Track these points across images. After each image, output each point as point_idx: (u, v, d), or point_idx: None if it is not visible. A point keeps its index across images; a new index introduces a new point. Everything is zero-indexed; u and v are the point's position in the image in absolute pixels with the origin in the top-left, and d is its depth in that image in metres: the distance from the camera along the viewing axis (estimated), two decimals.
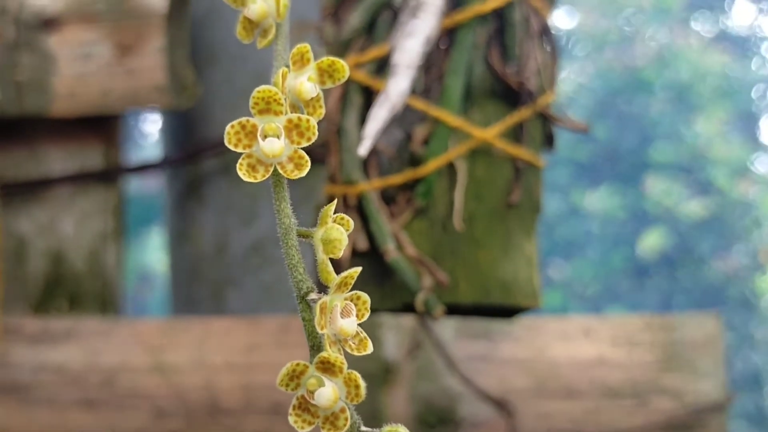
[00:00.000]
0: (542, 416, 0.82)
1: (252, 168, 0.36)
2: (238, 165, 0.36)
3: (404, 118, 0.63)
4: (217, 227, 0.93)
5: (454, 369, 0.76)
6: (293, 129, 0.36)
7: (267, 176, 0.36)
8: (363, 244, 0.61)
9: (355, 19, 0.64)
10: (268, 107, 0.36)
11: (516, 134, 0.65)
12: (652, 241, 3.94)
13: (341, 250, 0.35)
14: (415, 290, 0.59)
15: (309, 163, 0.36)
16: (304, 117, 0.36)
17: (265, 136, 0.35)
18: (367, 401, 0.32)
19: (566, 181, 4.07)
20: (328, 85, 0.40)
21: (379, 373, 0.83)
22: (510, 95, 0.65)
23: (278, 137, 0.35)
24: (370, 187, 0.61)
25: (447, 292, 0.61)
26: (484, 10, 0.63)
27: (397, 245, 0.60)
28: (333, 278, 0.36)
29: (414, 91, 0.63)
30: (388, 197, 0.63)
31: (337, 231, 0.35)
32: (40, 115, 0.87)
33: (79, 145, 0.92)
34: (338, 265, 0.60)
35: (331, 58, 0.39)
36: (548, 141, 0.68)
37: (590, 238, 4.05)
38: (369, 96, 0.63)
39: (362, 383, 0.32)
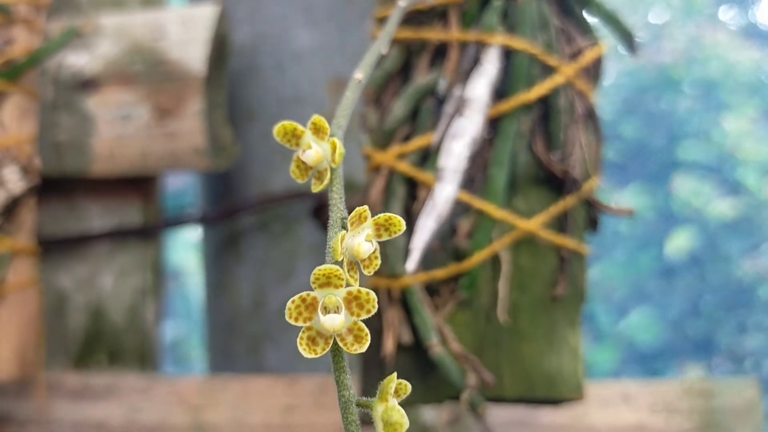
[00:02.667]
0: None
1: (312, 341, 0.36)
2: (298, 339, 0.36)
3: None
4: (254, 283, 0.93)
5: None
6: (353, 301, 0.36)
7: (327, 349, 0.36)
8: (407, 338, 0.61)
9: (398, 108, 0.63)
10: (328, 281, 0.36)
11: (560, 222, 0.64)
12: (680, 242, 3.90)
13: None
14: (459, 387, 0.59)
15: (369, 336, 0.36)
16: (364, 290, 0.36)
17: (325, 310, 0.35)
18: None
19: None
20: (384, 238, 0.39)
21: None
22: (555, 182, 0.64)
23: (338, 311, 0.35)
24: (414, 280, 0.61)
25: (491, 387, 0.61)
26: (529, 99, 0.63)
27: (441, 339, 0.60)
28: None
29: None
30: (432, 289, 0.62)
31: (398, 414, 0.35)
32: (80, 176, 0.87)
33: (118, 202, 0.93)
34: (381, 360, 0.60)
35: (389, 214, 0.39)
36: (592, 225, 0.67)
37: (618, 238, 4.02)
38: (413, 186, 0.63)
39: None
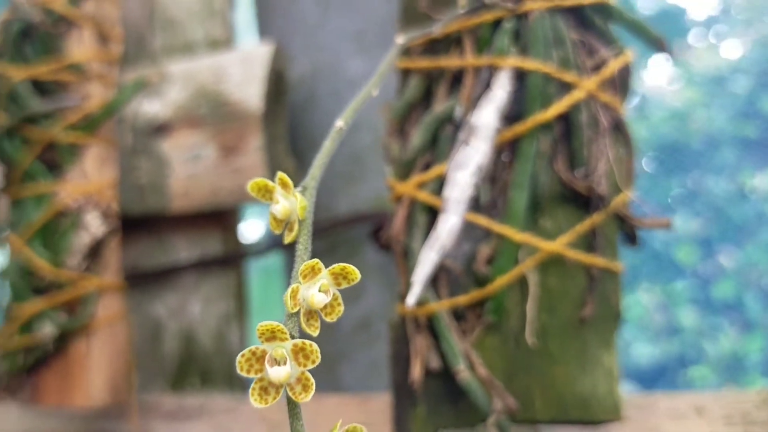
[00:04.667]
0: None
1: (264, 390, 0.38)
2: (250, 390, 0.38)
3: (472, 232, 0.63)
4: (301, 332, 0.97)
5: None
6: (299, 352, 0.38)
7: (278, 398, 0.38)
8: (435, 364, 0.62)
9: (417, 138, 0.65)
10: (273, 335, 0.38)
11: (589, 241, 0.63)
12: None
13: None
14: (486, 412, 0.60)
15: (314, 385, 0.38)
16: (308, 343, 0.38)
17: (275, 361, 0.38)
18: None
19: (732, 160, 3.82)
20: (344, 285, 0.41)
21: None
22: (581, 200, 0.63)
23: (285, 363, 0.38)
24: (439, 306, 0.62)
25: (522, 410, 0.61)
26: (546, 119, 0.62)
27: (468, 364, 0.61)
28: None
29: (479, 206, 0.63)
30: (458, 314, 0.63)
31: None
32: (161, 213, 0.95)
33: (200, 234, 0.99)
34: (411, 386, 0.62)
35: (342, 264, 0.41)
36: (630, 240, 0.66)
37: (763, 220, 3.78)
38: (434, 215, 0.64)
39: None
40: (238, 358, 0.38)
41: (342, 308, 0.41)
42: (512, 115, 0.63)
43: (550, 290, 0.62)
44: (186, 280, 1.00)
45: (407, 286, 0.64)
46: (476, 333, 0.62)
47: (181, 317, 1.00)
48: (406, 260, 0.64)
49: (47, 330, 0.85)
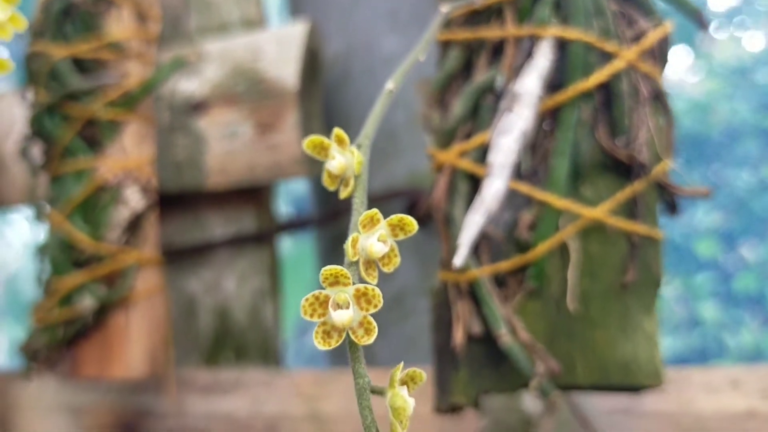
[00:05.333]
0: None
1: (327, 335, 0.39)
2: (314, 333, 0.39)
3: (513, 200, 0.64)
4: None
5: (588, 428, 0.76)
6: (361, 297, 0.39)
7: (340, 341, 0.39)
8: (477, 329, 0.63)
9: (458, 107, 0.65)
10: (336, 280, 0.39)
11: (630, 208, 0.64)
12: None
13: (407, 419, 0.38)
14: (528, 375, 0.60)
15: (376, 328, 0.39)
16: (371, 287, 0.39)
17: (336, 306, 0.39)
18: None
19: (755, 152, 3.80)
20: (401, 237, 0.42)
21: (520, 425, 0.84)
22: (622, 168, 0.64)
23: (347, 307, 0.39)
24: (480, 273, 0.63)
25: (564, 375, 0.62)
26: (587, 87, 0.63)
27: (510, 329, 0.62)
28: None
29: (520, 174, 0.63)
30: (500, 280, 0.64)
31: (401, 400, 0.38)
32: (198, 190, 0.96)
33: (235, 211, 1.01)
34: (453, 350, 0.63)
35: (400, 215, 0.42)
36: (671, 209, 0.66)
37: None
38: (475, 183, 0.65)
39: None
40: (302, 302, 0.39)
41: (399, 259, 0.42)
42: (554, 84, 0.64)
43: (591, 256, 0.63)
44: (220, 257, 1.01)
45: (449, 253, 0.65)
46: (517, 299, 0.63)
47: (216, 293, 1.01)
48: (448, 228, 0.65)
49: (87, 303, 0.87)
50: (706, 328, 3.60)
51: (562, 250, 0.63)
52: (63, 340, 0.89)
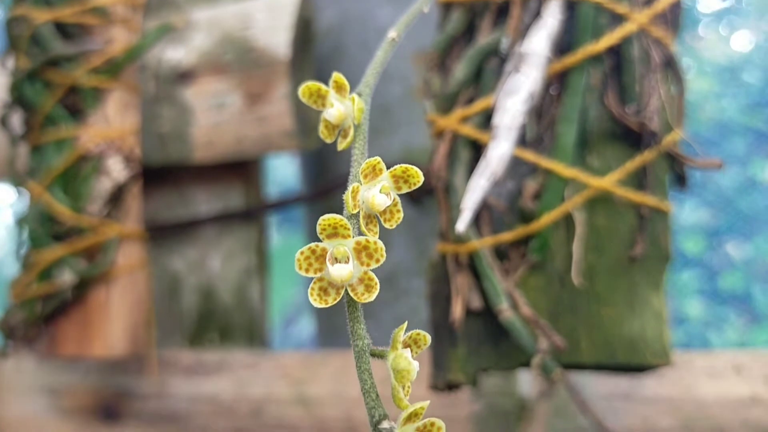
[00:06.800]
0: None
1: (323, 291, 0.36)
2: (309, 289, 0.36)
3: (516, 169, 0.61)
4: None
5: (586, 412, 0.73)
6: (362, 251, 0.36)
7: (338, 299, 0.36)
8: (477, 303, 0.60)
9: (460, 70, 0.62)
10: (335, 232, 0.36)
11: (639, 179, 0.61)
12: None
13: (411, 380, 0.35)
14: (530, 352, 0.57)
15: (378, 285, 0.36)
16: (372, 240, 0.36)
17: (335, 260, 0.35)
18: None
19: (743, 150, 3.80)
20: (404, 190, 0.39)
21: (515, 410, 0.81)
22: (632, 136, 0.61)
23: (347, 261, 0.35)
24: (481, 244, 0.60)
25: (567, 352, 0.59)
26: (597, 50, 0.60)
27: (511, 304, 0.59)
28: (405, 405, 0.35)
29: (525, 142, 0.60)
30: (501, 253, 0.61)
31: (405, 361, 0.35)
32: (183, 163, 0.92)
33: (222, 187, 0.97)
34: (451, 325, 0.60)
35: (404, 165, 0.38)
36: (679, 181, 0.63)
37: None
38: (477, 150, 0.61)
39: None
40: (297, 255, 0.35)
41: (401, 215, 0.39)
42: (562, 47, 0.60)
43: (597, 229, 0.60)
44: (206, 234, 0.97)
45: (449, 223, 0.61)
46: (519, 272, 0.60)
47: (201, 272, 0.98)
48: (448, 196, 0.62)
49: (66, 277, 0.83)
50: (690, 326, 3.59)
51: (568, 221, 0.60)
52: (41, 316, 0.85)
